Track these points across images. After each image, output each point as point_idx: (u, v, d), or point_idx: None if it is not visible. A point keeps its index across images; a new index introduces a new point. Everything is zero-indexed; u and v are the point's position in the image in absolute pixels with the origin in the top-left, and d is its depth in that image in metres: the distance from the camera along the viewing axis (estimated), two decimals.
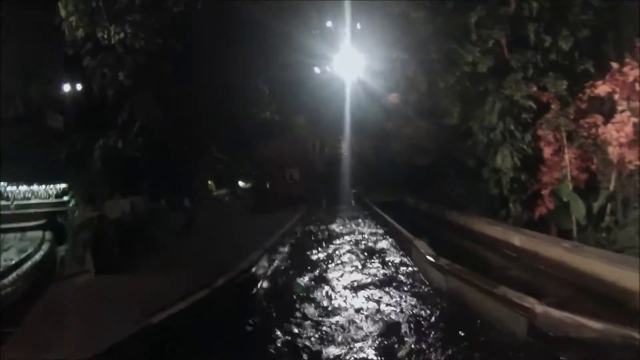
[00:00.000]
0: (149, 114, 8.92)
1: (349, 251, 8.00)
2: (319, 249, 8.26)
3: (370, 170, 22.66)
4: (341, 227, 10.96)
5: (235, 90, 21.68)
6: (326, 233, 10.02)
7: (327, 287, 5.67)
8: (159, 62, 9.44)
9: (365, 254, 7.68)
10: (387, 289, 5.41)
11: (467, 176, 10.49)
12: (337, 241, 9.02)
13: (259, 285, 5.88)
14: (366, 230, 10.43)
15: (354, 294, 5.35)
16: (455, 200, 10.94)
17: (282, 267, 6.97)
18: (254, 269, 5.77)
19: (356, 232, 10.18)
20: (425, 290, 5.34)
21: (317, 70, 30.03)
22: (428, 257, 5.57)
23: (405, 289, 5.44)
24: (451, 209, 10.65)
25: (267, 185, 18.80)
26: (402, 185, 18.10)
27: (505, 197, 9.36)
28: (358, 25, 22.94)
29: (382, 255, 7.54)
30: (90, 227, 5.33)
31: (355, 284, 5.75)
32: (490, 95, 9.02)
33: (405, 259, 7.09)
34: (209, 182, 13.63)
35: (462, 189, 10.44)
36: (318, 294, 5.39)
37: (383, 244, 8.68)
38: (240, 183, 18.89)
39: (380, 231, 10.13)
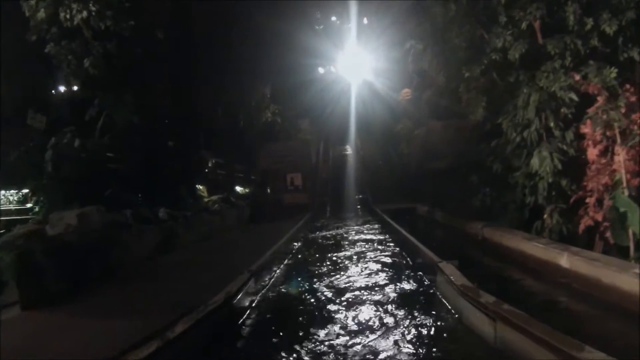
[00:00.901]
0: (120, 110, 7.63)
1: (355, 278, 6.25)
2: (318, 271, 6.87)
3: (378, 175, 21.29)
4: (346, 243, 9.49)
5: (232, 90, 20.55)
6: (328, 250, 8.58)
7: (323, 341, 3.93)
8: (133, 50, 8.16)
9: (378, 281, 6.01)
10: (411, 345, 3.77)
11: (492, 182, 9.08)
12: (341, 261, 7.62)
13: (232, 330, 4.40)
14: (376, 246, 8.91)
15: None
16: (476, 210, 9.51)
17: (268, 301, 5.39)
18: (231, 305, 4.40)
19: (364, 250, 8.57)
20: (468, 341, 3.82)
21: (321, 70, 28.94)
22: (464, 289, 4.16)
23: (439, 343, 3.82)
24: (472, 220, 9.24)
25: (268, 192, 17.47)
26: (413, 192, 16.68)
27: (539, 207, 7.97)
28: (365, 20, 21.76)
29: (398, 283, 5.88)
30: (12, 247, 4.02)
31: (366, 340, 3.85)
32: (523, 86, 7.64)
33: (428, 289, 5.55)
34: (200, 188, 12.33)
35: (486, 197, 9.00)
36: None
37: (398, 267, 6.99)
38: (238, 189, 17.59)
39: (392, 246, 8.70)
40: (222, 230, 9.72)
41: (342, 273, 6.49)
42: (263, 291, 5.67)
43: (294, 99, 26.34)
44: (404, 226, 10.44)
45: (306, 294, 5.46)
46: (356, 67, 25.34)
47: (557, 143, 7.35)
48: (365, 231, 11.19)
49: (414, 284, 5.80)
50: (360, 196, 20.05)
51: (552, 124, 7.26)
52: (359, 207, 18.44)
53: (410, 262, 7.08)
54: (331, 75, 27.57)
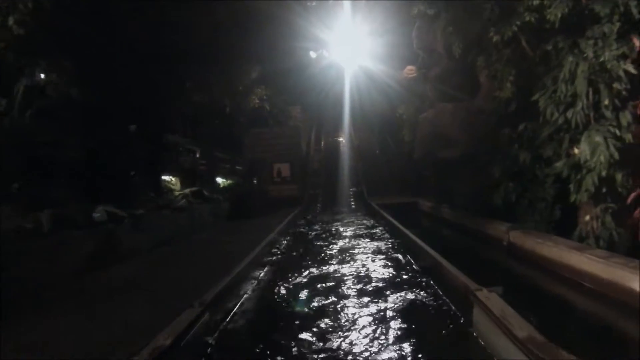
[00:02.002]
0: (53, 80, 5.90)
1: (355, 315, 4.17)
2: (300, 296, 5.21)
3: (374, 166, 19.68)
4: (340, 252, 7.38)
5: (216, 71, 18.73)
6: (316, 261, 6.89)
7: None
8: (77, 6, 6.39)
9: (385, 316, 4.07)
10: None
11: (516, 175, 7.54)
12: (335, 284, 5.90)
13: None
14: (379, 258, 7.14)
15: None
16: (494, 208, 7.97)
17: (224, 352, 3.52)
18: None
19: (366, 264, 6.38)
20: None
21: (313, 55, 27.08)
22: (531, 344, 2.59)
23: None
24: (492, 220, 7.72)
25: (254, 183, 15.79)
26: (413, 185, 15.15)
27: (571, 206, 6.48)
28: None
29: (414, 319, 4.00)
30: None
31: None
32: (566, 55, 6.06)
33: (460, 327, 3.73)
34: (170, 180, 10.63)
35: (511, 192, 7.45)
36: None
37: (411, 289, 4.97)
38: (221, 180, 15.89)
39: (400, 258, 7.00)
40: (189, 231, 8.07)
41: (336, 306, 4.63)
42: (217, 334, 3.96)
43: (284, 85, 24.53)
44: (407, 226, 8.88)
45: (282, 339, 3.77)
46: (351, 50, 23.55)
47: (609, 126, 5.80)
48: (363, 235, 9.58)
49: (439, 320, 4.06)
50: (354, 189, 18.46)
51: (605, 102, 5.69)
52: (352, 200, 16.87)
53: (425, 281, 5.45)
54: (324, 60, 25.77)
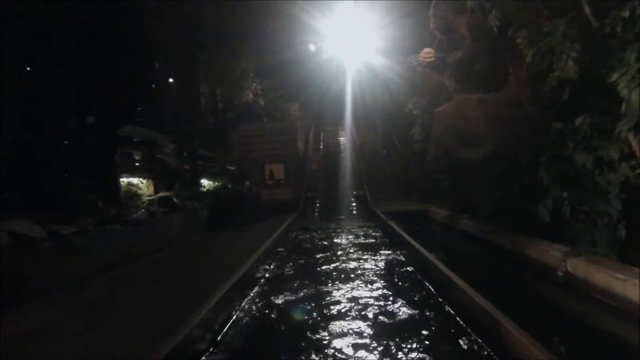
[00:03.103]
0: None
1: None
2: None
3: (378, 167, 17.99)
4: (344, 284, 5.65)
5: (206, 63, 17.14)
6: (309, 298, 5.13)
7: None
8: None
9: None
10: None
11: (571, 182, 5.88)
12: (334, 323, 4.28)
13: None
14: (394, 293, 5.15)
15: None
16: (538, 222, 6.30)
17: None
18: None
19: (375, 309, 4.58)
20: None
21: (312, 47, 25.44)
22: None
23: None
24: (535, 239, 6.08)
25: (243, 186, 14.09)
26: (424, 189, 13.47)
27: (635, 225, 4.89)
28: None
29: None
30: None
31: None
32: None
33: None
34: (137, 183, 8.93)
35: (564, 205, 5.76)
36: None
37: None
38: (206, 182, 14.19)
39: (422, 292, 5.29)
40: (146, 251, 6.33)
41: None
42: None
43: (281, 79, 22.91)
44: (422, 241, 7.21)
45: None
46: (353, 44, 21.84)
47: None
48: (370, 253, 7.86)
49: None
50: (355, 192, 16.72)
51: None
52: (354, 206, 15.14)
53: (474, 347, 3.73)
54: (324, 54, 24.08)
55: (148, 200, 8.01)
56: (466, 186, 9.56)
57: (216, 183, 14.41)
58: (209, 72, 22.87)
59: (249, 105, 19.30)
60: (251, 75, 20.91)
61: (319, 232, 10.43)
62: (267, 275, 6.47)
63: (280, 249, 8.27)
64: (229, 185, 12.96)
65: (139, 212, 6.78)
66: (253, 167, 13.70)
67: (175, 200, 8.12)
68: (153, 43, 7.93)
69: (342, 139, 23.39)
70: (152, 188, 9.87)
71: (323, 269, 6.64)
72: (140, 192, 9.08)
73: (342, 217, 13.09)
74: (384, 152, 18.97)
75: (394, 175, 16.96)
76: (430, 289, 5.37)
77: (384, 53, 17.93)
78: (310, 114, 25.41)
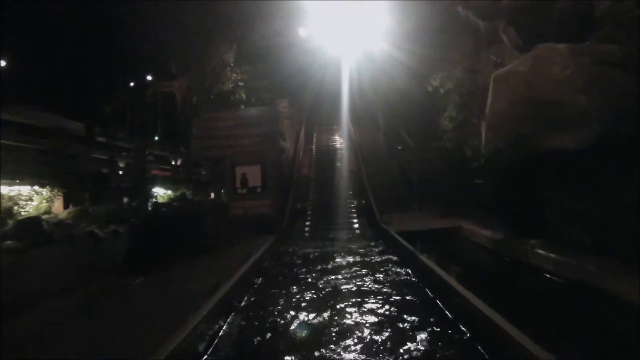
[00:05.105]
0: None
1: None
2: None
3: (383, 169, 14.66)
4: None
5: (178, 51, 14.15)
6: None
7: None
8: None
9: None
10: None
11: None
12: None
13: None
14: None
15: None
16: None
17: None
18: None
19: None
20: None
21: (302, 33, 22.30)
22: None
23: None
24: None
25: (211, 198, 10.68)
26: (450, 199, 10.10)
27: None
28: None
29: None
30: None
31: None
32: None
33: None
34: (34, 195, 5.59)
35: None
36: None
37: None
38: (161, 192, 10.78)
39: None
40: None
41: None
42: None
43: (268, 69, 19.73)
44: (469, 284, 3.91)
45: None
46: (349, 31, 18.61)
47: None
48: (402, 334, 4.36)
49: None
50: (356, 202, 13.21)
51: None
52: (355, 221, 11.60)
53: None
54: (315, 40, 20.85)
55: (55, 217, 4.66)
56: (530, 193, 6.27)
57: (177, 193, 10.98)
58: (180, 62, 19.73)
59: (226, 96, 16.11)
60: (231, 64, 17.73)
61: (309, 267, 6.95)
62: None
63: (233, 314, 4.75)
64: (189, 196, 9.56)
65: None
66: (220, 170, 10.22)
67: (44, 225, 4.78)
68: None
69: (338, 138, 20.10)
70: (59, 202, 6.50)
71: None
72: (22, 209, 5.70)
73: (342, 238, 9.64)
74: (386, 152, 15.70)
75: (402, 178, 13.66)
76: None
77: (384, 36, 14.81)
78: (302, 110, 22.20)
